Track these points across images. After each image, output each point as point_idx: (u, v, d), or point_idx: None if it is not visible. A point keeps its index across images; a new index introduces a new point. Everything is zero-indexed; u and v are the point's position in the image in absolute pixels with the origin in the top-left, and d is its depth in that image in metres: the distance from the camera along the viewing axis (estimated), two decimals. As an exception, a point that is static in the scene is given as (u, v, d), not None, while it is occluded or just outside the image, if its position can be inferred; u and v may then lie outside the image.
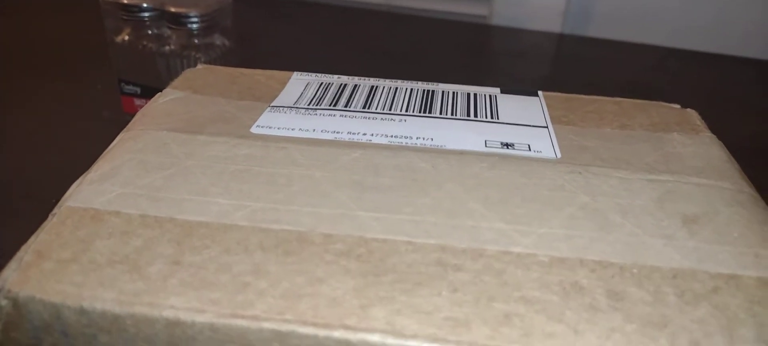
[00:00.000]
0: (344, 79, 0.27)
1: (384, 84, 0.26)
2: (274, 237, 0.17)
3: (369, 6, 0.73)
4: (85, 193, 0.19)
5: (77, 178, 0.20)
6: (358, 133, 0.22)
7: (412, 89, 0.26)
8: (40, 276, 0.16)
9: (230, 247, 0.17)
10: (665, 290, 0.16)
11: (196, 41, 0.43)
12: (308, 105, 0.24)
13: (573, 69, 0.61)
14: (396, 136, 0.22)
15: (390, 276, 0.16)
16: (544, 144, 0.22)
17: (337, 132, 0.22)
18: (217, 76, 0.26)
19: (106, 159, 0.20)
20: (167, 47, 0.43)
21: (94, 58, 0.55)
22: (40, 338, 0.16)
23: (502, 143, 0.22)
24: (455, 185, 0.19)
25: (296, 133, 0.22)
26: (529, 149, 0.21)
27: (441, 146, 0.21)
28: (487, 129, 0.23)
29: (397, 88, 0.26)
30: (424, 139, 0.22)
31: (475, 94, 0.26)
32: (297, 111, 0.24)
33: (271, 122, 0.23)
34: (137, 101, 0.45)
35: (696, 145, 0.22)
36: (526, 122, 0.23)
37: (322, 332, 0.15)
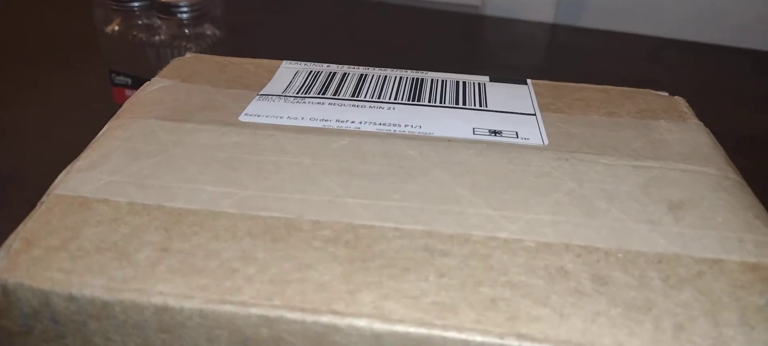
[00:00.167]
0: (333, 67, 0.27)
1: (373, 72, 0.26)
2: (263, 224, 0.17)
3: (361, -4, 0.73)
4: (74, 181, 0.19)
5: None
6: (347, 120, 0.22)
7: (401, 77, 0.26)
8: (28, 263, 0.16)
9: (219, 234, 0.17)
10: (650, 274, 0.16)
11: (186, 31, 0.43)
12: (297, 93, 0.24)
13: (566, 59, 0.61)
14: (384, 124, 0.22)
15: (377, 262, 0.16)
16: (531, 131, 0.22)
17: (326, 120, 0.22)
18: (205, 65, 0.26)
19: (94, 147, 0.20)
20: (157, 37, 0.43)
21: (85, 49, 0.55)
22: (30, 326, 0.16)
23: (490, 131, 0.22)
24: (442, 172, 0.20)
25: (285, 121, 0.22)
26: (517, 136, 0.22)
27: (429, 134, 0.22)
28: (475, 117, 0.23)
29: (386, 77, 0.26)
30: (412, 126, 0.22)
31: (464, 83, 0.26)
32: (286, 99, 0.24)
33: (259, 110, 0.23)
34: (128, 92, 0.45)
35: (682, 132, 0.22)
36: (514, 110, 0.23)
37: (309, 317, 0.15)
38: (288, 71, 0.26)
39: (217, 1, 0.44)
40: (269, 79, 0.25)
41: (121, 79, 0.44)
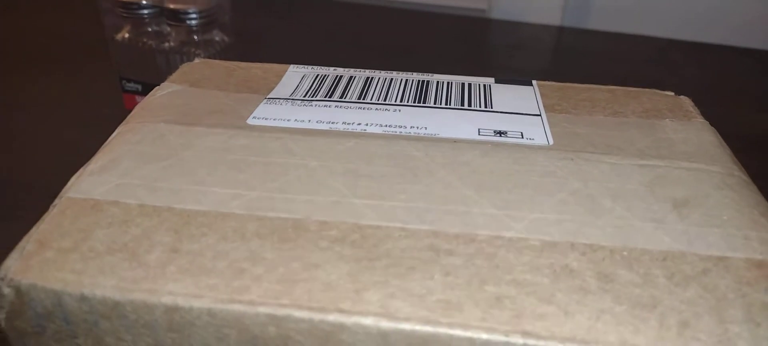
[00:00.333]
0: (340, 71, 0.27)
1: (379, 75, 0.26)
2: (270, 225, 0.18)
3: (367, 1, 0.73)
4: (85, 184, 0.19)
5: (78, 171, 0.20)
6: (353, 123, 0.22)
7: (407, 80, 0.26)
8: (41, 265, 0.16)
9: (227, 234, 0.17)
10: (655, 272, 0.16)
11: (195, 37, 0.43)
12: (304, 96, 0.24)
13: (572, 62, 0.61)
14: (390, 126, 0.22)
15: (384, 261, 0.16)
16: (536, 131, 0.22)
17: (333, 122, 0.22)
18: (214, 70, 0.27)
19: (105, 151, 0.21)
20: (167, 44, 0.43)
21: (95, 56, 0.56)
22: (43, 326, 0.17)
23: (495, 131, 0.22)
24: (448, 172, 0.20)
25: (292, 124, 0.22)
26: (522, 137, 0.22)
27: (434, 135, 0.22)
28: (480, 118, 0.23)
29: (392, 79, 0.26)
30: (418, 128, 0.22)
31: (470, 84, 0.26)
32: (293, 102, 0.24)
33: (267, 114, 0.23)
34: (138, 98, 0.45)
35: (687, 131, 0.22)
36: (519, 111, 0.24)
37: (317, 316, 0.15)
38: (295, 75, 0.26)
39: (225, 8, 0.45)
40: (277, 83, 0.26)
41: (131, 85, 0.45)
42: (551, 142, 0.21)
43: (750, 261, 0.17)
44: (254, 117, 0.23)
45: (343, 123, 0.22)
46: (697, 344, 0.15)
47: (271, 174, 0.20)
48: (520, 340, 0.15)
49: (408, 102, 0.24)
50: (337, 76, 0.26)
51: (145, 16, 0.43)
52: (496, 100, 0.25)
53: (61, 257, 0.17)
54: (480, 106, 0.24)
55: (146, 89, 0.45)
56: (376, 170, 0.20)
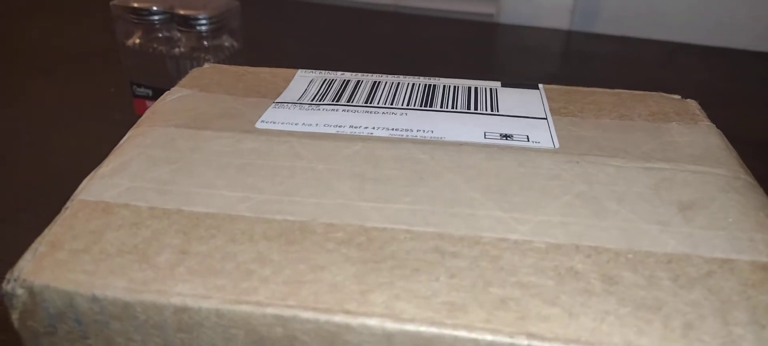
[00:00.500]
0: (347, 75, 0.27)
1: (386, 79, 0.27)
2: (278, 227, 0.18)
3: (376, 6, 0.74)
4: (96, 187, 0.19)
5: (89, 175, 0.21)
6: (360, 126, 0.23)
7: (413, 84, 0.26)
8: (53, 266, 0.17)
9: (235, 236, 0.18)
10: (660, 274, 0.16)
11: (205, 43, 0.44)
12: (312, 101, 0.25)
13: (581, 66, 0.61)
14: (397, 129, 0.22)
15: (389, 263, 0.17)
16: (542, 135, 0.22)
17: (340, 126, 0.23)
18: (223, 75, 0.27)
19: (116, 155, 0.21)
20: (177, 49, 0.44)
21: (106, 62, 0.56)
22: (55, 326, 0.17)
23: (501, 135, 0.22)
24: (454, 175, 0.20)
25: (299, 128, 0.22)
26: (528, 140, 0.22)
27: (441, 138, 0.22)
28: (486, 121, 0.23)
29: (399, 84, 0.26)
30: (424, 131, 0.22)
31: (476, 88, 0.26)
32: (301, 106, 0.24)
33: (275, 118, 0.23)
34: (148, 103, 0.46)
35: (694, 134, 0.22)
36: (525, 114, 0.24)
37: (322, 317, 0.15)
38: (303, 79, 0.27)
39: (235, 14, 0.45)
40: (285, 88, 0.26)
41: (141, 90, 0.45)
42: (557, 145, 0.22)
43: (755, 264, 0.17)
44: (262, 121, 0.23)
45: (350, 127, 0.23)
46: (702, 346, 0.15)
47: (278, 177, 0.20)
48: (524, 341, 0.15)
49: (414, 106, 0.24)
50: (344, 80, 0.27)
51: (156, 22, 0.43)
52: (502, 103, 0.25)
53: (73, 258, 0.17)
54: (486, 110, 0.24)
55: (157, 94, 0.45)
56: (382, 173, 0.20)
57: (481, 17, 0.72)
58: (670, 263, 0.17)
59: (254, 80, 0.27)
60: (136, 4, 0.43)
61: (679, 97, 0.25)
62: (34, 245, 0.17)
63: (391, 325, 0.15)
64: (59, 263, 0.17)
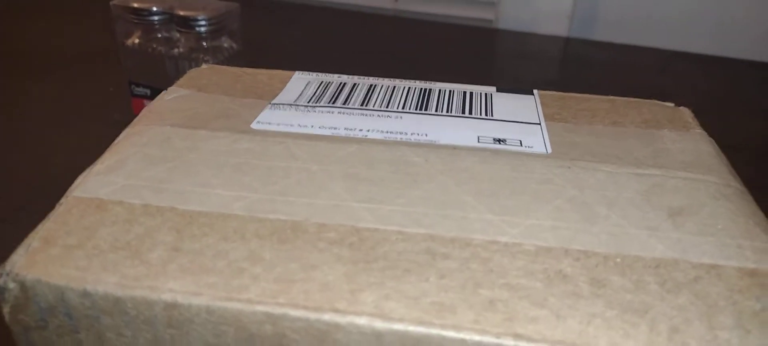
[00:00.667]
0: (344, 78, 0.27)
1: (382, 83, 0.27)
2: (270, 226, 0.18)
3: (376, 10, 0.74)
4: (91, 184, 0.20)
5: (86, 173, 0.21)
6: (355, 129, 0.23)
7: (409, 88, 0.26)
8: (46, 261, 0.17)
9: (228, 235, 0.18)
10: (647, 279, 0.17)
11: (204, 44, 0.44)
12: (308, 103, 0.25)
13: (579, 72, 0.61)
14: (391, 132, 0.23)
15: (380, 263, 0.17)
16: (535, 140, 0.22)
17: (335, 128, 0.23)
18: (220, 76, 0.27)
19: (111, 152, 0.21)
20: (176, 50, 0.44)
21: (106, 62, 0.57)
22: (46, 321, 0.17)
23: (494, 139, 0.22)
24: (447, 178, 0.20)
25: (295, 129, 0.23)
26: (521, 145, 0.22)
27: (435, 141, 0.22)
28: (480, 125, 0.23)
29: (395, 87, 0.26)
30: (418, 134, 0.22)
31: (471, 93, 0.26)
32: (297, 108, 0.24)
33: (271, 119, 0.23)
34: (147, 103, 0.46)
35: (685, 141, 0.23)
36: (519, 119, 0.24)
37: (312, 315, 0.16)
38: (300, 81, 0.27)
39: (234, 15, 0.46)
40: (281, 89, 0.26)
41: (140, 90, 0.46)
42: (549, 150, 0.22)
43: (742, 270, 0.17)
44: (258, 122, 0.23)
45: (345, 129, 0.23)
46: (687, 350, 0.15)
47: (272, 177, 0.20)
48: (511, 342, 0.15)
49: (410, 109, 0.24)
50: (340, 83, 0.27)
51: (155, 22, 0.44)
52: (496, 108, 0.25)
53: (66, 253, 0.17)
54: (481, 115, 0.24)
55: (155, 94, 0.45)
56: (375, 175, 0.20)
57: (479, 23, 0.73)
58: (658, 268, 0.17)
59: (251, 81, 0.27)
60: (135, 5, 0.43)
61: (673, 104, 0.26)
62: (27, 240, 0.18)
63: (380, 324, 0.15)
64: (52, 258, 0.17)
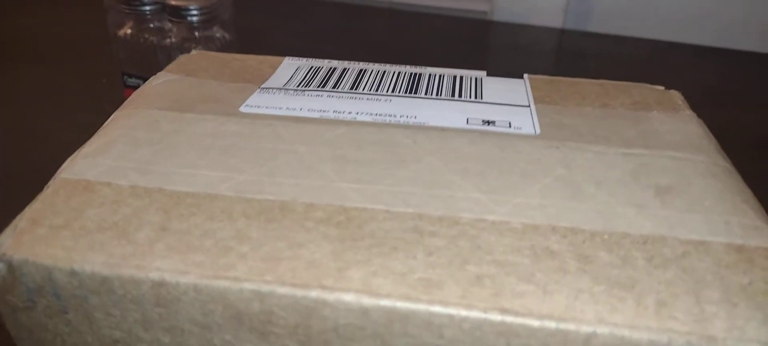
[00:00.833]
0: (334, 63, 0.27)
1: (373, 68, 0.27)
2: (257, 206, 0.18)
3: (370, 2, 0.74)
4: (79, 166, 0.20)
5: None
6: (344, 111, 0.23)
7: (399, 72, 0.26)
8: (33, 241, 0.17)
9: (215, 215, 0.18)
10: (634, 254, 0.17)
11: (196, 34, 0.44)
12: (297, 87, 0.25)
13: (574, 64, 0.61)
14: (380, 115, 0.22)
15: (367, 241, 0.17)
16: (524, 121, 0.22)
17: (324, 111, 0.23)
18: (210, 61, 0.27)
19: (99, 135, 0.21)
20: (168, 40, 0.44)
21: (98, 52, 0.56)
22: (34, 301, 0.17)
23: (483, 121, 0.22)
24: (435, 159, 0.20)
25: (283, 112, 0.23)
26: (510, 126, 0.22)
27: (423, 123, 0.22)
28: (469, 108, 0.23)
29: (385, 72, 0.26)
30: (407, 117, 0.22)
31: (461, 77, 0.26)
32: (286, 92, 0.24)
33: (259, 102, 0.23)
34: (139, 93, 0.46)
35: (674, 123, 0.23)
36: (508, 102, 0.24)
37: (300, 292, 0.16)
38: (290, 67, 0.27)
39: (226, 5, 0.45)
40: (271, 74, 0.26)
41: (132, 80, 0.45)
42: (538, 131, 0.22)
43: (730, 246, 0.17)
44: (247, 105, 0.23)
45: (334, 111, 0.23)
46: (674, 323, 0.15)
47: (260, 159, 0.20)
48: (498, 317, 0.15)
49: (399, 93, 0.24)
50: (331, 67, 0.27)
51: (147, 12, 0.43)
52: (486, 92, 0.25)
53: (53, 233, 0.17)
54: (470, 98, 0.24)
55: (148, 85, 0.45)
56: (364, 156, 0.20)
57: (474, 15, 0.72)
58: (646, 244, 0.17)
59: (241, 67, 0.27)
60: (127, -5, 0.43)
61: (663, 88, 0.26)
62: (14, 222, 0.18)
63: (367, 300, 0.15)
64: (39, 239, 0.17)
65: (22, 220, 0.17)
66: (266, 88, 0.24)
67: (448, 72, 0.27)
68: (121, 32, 0.45)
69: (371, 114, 0.23)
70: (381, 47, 0.62)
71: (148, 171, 0.19)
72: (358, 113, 0.23)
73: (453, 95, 0.24)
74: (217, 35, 0.45)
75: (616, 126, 0.22)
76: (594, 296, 0.15)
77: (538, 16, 0.71)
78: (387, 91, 0.24)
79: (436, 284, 0.16)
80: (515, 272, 0.16)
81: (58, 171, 0.20)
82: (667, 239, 0.17)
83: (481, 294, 0.15)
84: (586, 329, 0.15)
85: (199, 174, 0.19)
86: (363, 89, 0.25)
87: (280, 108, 0.23)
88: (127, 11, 0.43)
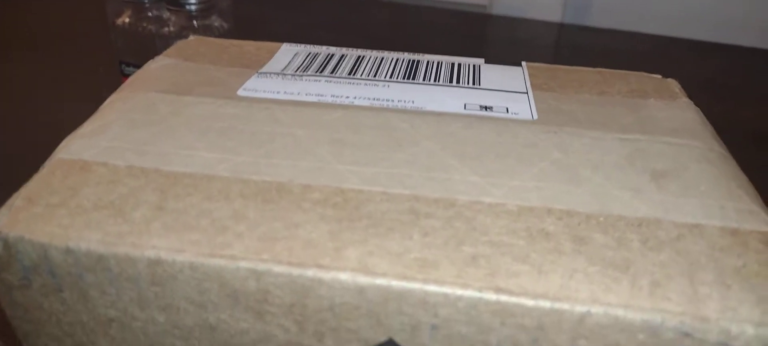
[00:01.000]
0: (332, 49, 0.27)
1: (371, 54, 0.27)
2: (254, 187, 0.18)
3: (369, -5, 0.74)
4: (75, 146, 0.20)
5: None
6: (342, 96, 0.23)
7: (397, 59, 0.26)
8: (29, 219, 0.17)
9: (212, 195, 0.18)
10: (629, 236, 0.17)
11: (194, 23, 0.44)
12: (295, 72, 0.25)
13: (572, 58, 0.61)
14: (378, 99, 0.23)
15: (364, 222, 0.17)
16: (521, 107, 0.22)
17: (321, 95, 0.23)
18: (208, 47, 0.27)
19: (96, 117, 0.21)
20: (166, 29, 0.44)
21: (96, 41, 0.56)
22: (30, 279, 0.17)
23: (481, 106, 0.22)
24: (432, 143, 0.20)
25: (281, 96, 0.23)
26: (507, 112, 0.22)
27: (421, 108, 0.22)
28: (467, 94, 0.23)
29: (383, 58, 0.26)
30: (405, 102, 0.22)
31: (459, 64, 0.26)
32: (284, 77, 0.24)
33: (257, 86, 0.23)
34: (137, 82, 0.46)
35: (671, 109, 0.23)
36: (506, 88, 0.24)
37: (296, 271, 0.16)
38: (288, 52, 0.27)
39: (225, -5, 0.45)
40: (269, 60, 0.26)
41: (130, 69, 0.45)
42: (536, 117, 0.22)
43: (725, 229, 0.17)
44: (244, 89, 0.23)
45: (332, 96, 0.23)
46: (668, 304, 0.15)
47: (257, 141, 0.20)
48: (493, 296, 0.15)
49: (397, 78, 0.24)
50: (329, 53, 0.27)
51: (146, 1, 0.43)
52: (484, 78, 0.25)
53: (49, 212, 0.17)
54: (468, 84, 0.24)
55: (145, 74, 0.45)
56: (361, 139, 0.20)
57: (473, 8, 0.72)
58: (641, 227, 0.17)
59: (238, 52, 0.27)
60: (125, -17, 0.43)
61: (660, 76, 0.26)
62: (10, 200, 0.17)
63: (363, 279, 0.15)
64: (35, 217, 0.17)
65: (18, 198, 0.17)
66: (264, 73, 0.24)
67: (447, 59, 0.27)
68: (120, 21, 0.45)
69: (369, 99, 0.23)
70: (380, 39, 0.62)
71: (145, 152, 0.19)
72: (355, 98, 0.23)
73: (451, 81, 0.24)
74: (216, 24, 0.45)
75: (614, 112, 0.22)
76: (589, 276, 0.15)
77: (537, 10, 0.71)
78: (385, 77, 0.24)
79: (431, 264, 0.16)
80: (510, 252, 0.16)
81: (55, 151, 0.20)
82: (662, 222, 0.17)
83: (477, 274, 0.15)
84: (580, 308, 0.15)
85: (197, 155, 0.19)
86: (361, 75, 0.25)
87: (277, 92, 0.23)
88: (125, 0, 0.43)
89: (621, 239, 0.16)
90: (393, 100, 0.23)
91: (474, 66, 0.26)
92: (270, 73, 0.24)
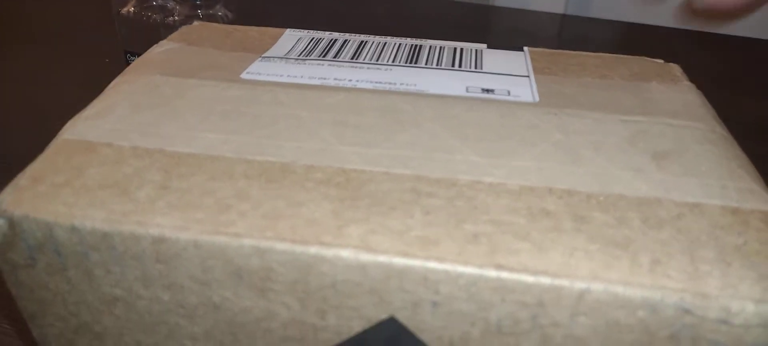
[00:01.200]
0: (335, 35, 0.27)
1: (373, 39, 0.27)
2: (258, 167, 0.18)
3: (373, -14, 0.74)
4: (80, 127, 0.20)
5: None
6: (345, 79, 0.23)
7: (400, 44, 0.26)
8: (34, 198, 0.17)
9: (216, 175, 0.18)
10: (630, 215, 0.17)
11: (199, 13, 0.44)
12: (298, 56, 0.25)
13: (576, 49, 0.61)
14: (381, 83, 0.23)
15: (366, 201, 0.17)
16: (523, 90, 0.22)
17: (324, 78, 0.23)
18: (211, 31, 0.27)
19: (100, 100, 0.21)
20: (171, 19, 0.44)
21: (101, 31, 0.56)
22: (35, 258, 0.17)
23: (482, 89, 0.22)
24: (434, 124, 0.20)
25: (284, 79, 0.23)
26: (509, 94, 0.22)
27: (423, 91, 0.22)
28: (469, 77, 0.23)
29: (385, 43, 0.26)
30: (408, 85, 0.23)
31: (462, 49, 0.26)
32: (287, 60, 0.24)
33: (260, 70, 0.23)
34: (141, 72, 0.46)
35: (673, 92, 0.23)
36: (508, 72, 0.24)
37: (299, 248, 0.16)
38: (291, 37, 0.27)
39: (229, -16, 0.45)
40: (272, 45, 0.26)
41: (135, 59, 0.46)
42: (537, 99, 0.22)
43: (725, 208, 0.17)
44: (248, 72, 0.23)
45: (335, 79, 0.23)
46: (668, 281, 0.15)
47: (261, 122, 0.20)
48: (493, 273, 0.15)
49: (400, 63, 0.24)
50: (332, 39, 0.27)
51: (149, -10, 0.43)
52: (486, 62, 0.25)
53: (54, 191, 0.17)
54: (470, 68, 0.24)
55: (149, 63, 0.45)
56: (364, 121, 0.20)
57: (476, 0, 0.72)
58: (641, 206, 0.17)
59: (242, 37, 0.27)
60: (129, -28, 0.43)
61: (662, 61, 0.26)
62: (15, 180, 0.18)
63: (365, 256, 0.16)
64: (40, 195, 0.17)
65: (23, 178, 0.18)
66: (267, 57, 0.25)
67: (449, 44, 0.27)
68: (125, 10, 0.45)
69: (372, 82, 0.23)
70: (383, 30, 0.62)
71: (150, 133, 0.19)
72: (358, 81, 0.23)
73: (453, 65, 0.24)
74: (220, 14, 0.45)
75: (615, 95, 0.22)
76: (589, 253, 0.16)
77: (540, 1, 0.71)
78: (388, 61, 0.25)
79: (432, 242, 0.16)
80: (511, 230, 0.16)
81: (60, 132, 0.20)
82: (663, 201, 0.17)
83: (477, 251, 0.16)
84: (580, 285, 0.15)
85: (200, 136, 0.19)
86: (364, 59, 0.25)
87: (281, 75, 0.23)
88: (129, -11, 0.44)
89: (621, 218, 0.17)
90: (395, 84, 0.23)
91: (476, 50, 0.26)
92: (273, 58, 0.25)
